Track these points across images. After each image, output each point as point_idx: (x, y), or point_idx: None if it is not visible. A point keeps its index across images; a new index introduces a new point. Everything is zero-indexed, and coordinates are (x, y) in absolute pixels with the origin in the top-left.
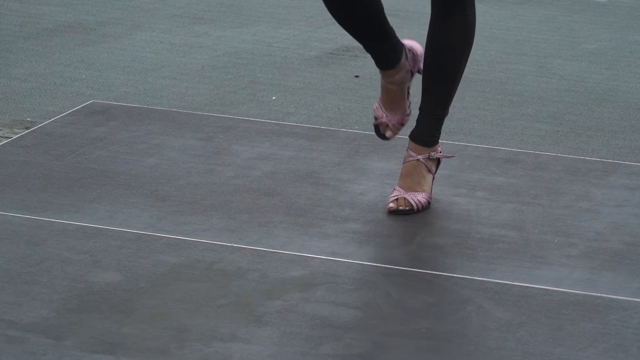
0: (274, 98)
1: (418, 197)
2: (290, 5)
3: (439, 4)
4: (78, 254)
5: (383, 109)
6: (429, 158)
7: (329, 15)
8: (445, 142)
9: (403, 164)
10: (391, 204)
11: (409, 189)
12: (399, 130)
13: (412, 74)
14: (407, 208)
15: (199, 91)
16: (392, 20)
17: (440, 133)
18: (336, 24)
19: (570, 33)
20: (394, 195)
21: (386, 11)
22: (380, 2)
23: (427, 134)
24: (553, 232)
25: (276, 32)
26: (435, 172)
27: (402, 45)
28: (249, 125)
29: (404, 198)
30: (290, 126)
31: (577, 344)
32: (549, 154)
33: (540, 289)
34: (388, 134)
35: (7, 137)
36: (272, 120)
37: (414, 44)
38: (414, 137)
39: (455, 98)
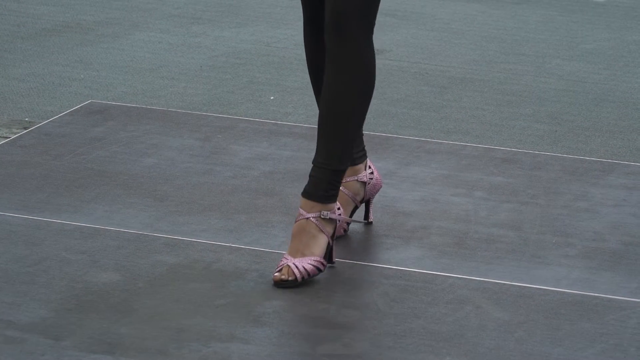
0: (272, 98)
1: (304, 265)
2: (289, 5)
3: (329, 39)
4: (76, 254)
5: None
6: (320, 217)
7: None
8: (443, 142)
9: (294, 223)
10: (276, 274)
11: (296, 252)
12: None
13: (362, 201)
14: (290, 278)
15: (197, 91)
16: (390, 20)
17: (336, 189)
18: None
19: (569, 33)
20: (281, 263)
21: (385, 11)
22: None
23: (319, 188)
24: (551, 232)
25: (274, 32)
26: (333, 235)
27: (366, 156)
28: (247, 125)
29: (288, 266)
30: (289, 126)
31: (575, 344)
32: (547, 153)
33: (539, 289)
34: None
35: (6, 137)
36: (270, 120)
37: (378, 174)
38: (306, 192)
39: (452, 98)
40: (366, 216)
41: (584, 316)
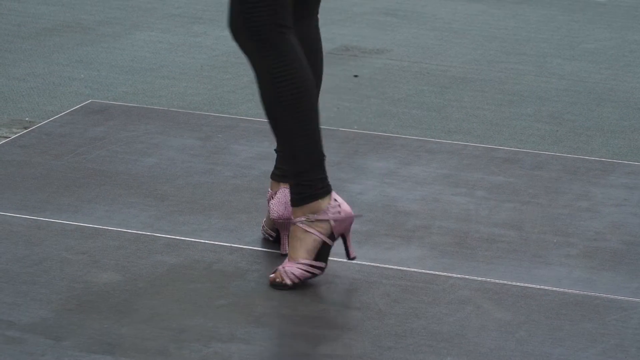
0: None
1: (292, 270)
2: None
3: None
4: (77, 254)
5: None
6: (308, 220)
7: (327, 15)
8: (444, 141)
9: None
10: (271, 275)
11: (289, 258)
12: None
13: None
14: (283, 282)
15: (198, 91)
16: (390, 20)
17: (309, 189)
18: (335, 23)
19: (570, 33)
20: (279, 266)
21: (385, 11)
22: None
23: (292, 192)
24: (552, 231)
25: None
26: (331, 234)
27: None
28: (248, 125)
29: (277, 270)
30: None
31: (576, 344)
32: (548, 153)
33: (540, 289)
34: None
35: (6, 137)
36: None
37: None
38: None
39: (453, 98)
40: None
41: (585, 316)
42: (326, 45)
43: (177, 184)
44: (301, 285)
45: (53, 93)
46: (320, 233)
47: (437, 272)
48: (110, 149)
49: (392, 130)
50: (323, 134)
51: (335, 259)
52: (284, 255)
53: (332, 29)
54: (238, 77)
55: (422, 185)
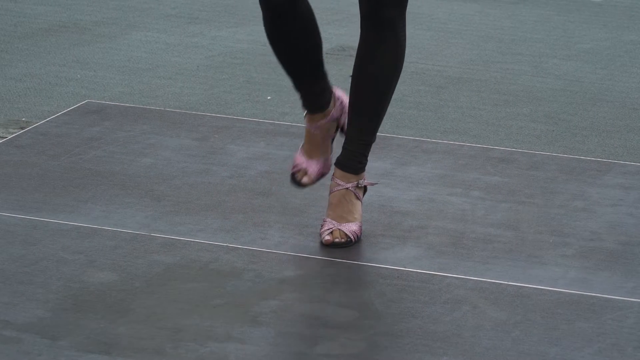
0: (269, 98)
1: (353, 228)
2: None
3: (369, 25)
4: (73, 254)
5: (304, 156)
6: (357, 186)
7: (323, 15)
8: (440, 141)
9: (330, 193)
10: (327, 237)
11: (340, 218)
12: (317, 179)
13: (338, 126)
14: (343, 240)
15: (194, 91)
16: None
17: (367, 160)
18: (331, 23)
19: (566, 33)
20: (327, 227)
21: None
22: (320, 38)
23: (355, 160)
24: (548, 231)
25: None
26: (362, 197)
27: (332, 91)
28: (244, 125)
29: (339, 230)
30: (286, 126)
31: (572, 343)
32: (544, 153)
33: (536, 288)
34: (304, 179)
35: (2, 137)
36: (267, 120)
37: (344, 95)
38: (341, 164)
39: (449, 98)
40: (342, 129)
41: (581, 316)
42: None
43: (173, 184)
44: (300, 282)
45: (49, 93)
46: (362, 198)
47: (433, 272)
48: (107, 149)
49: (388, 130)
50: None
51: (331, 258)
52: (280, 254)
53: (328, 29)
54: (234, 77)
55: (418, 185)
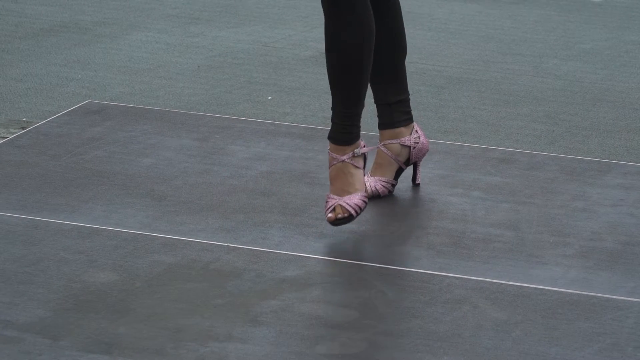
0: (269, 98)
1: (354, 201)
2: (286, 5)
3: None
4: (74, 254)
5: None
6: (353, 156)
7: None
8: (440, 142)
9: (329, 168)
10: (329, 214)
11: (341, 192)
12: (373, 196)
13: (409, 160)
14: (345, 215)
15: (195, 91)
16: None
17: (359, 128)
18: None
19: (566, 33)
20: (329, 204)
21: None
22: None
23: (343, 132)
24: (548, 231)
25: (272, 32)
26: (364, 166)
27: (412, 121)
28: (245, 125)
29: (340, 205)
30: (286, 126)
31: (572, 343)
32: (544, 153)
33: (536, 288)
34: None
35: (3, 137)
36: (268, 120)
37: (425, 139)
38: (333, 138)
39: (449, 98)
40: (414, 178)
41: (581, 316)
42: (323, 45)
43: (174, 184)
44: (302, 281)
45: (50, 93)
46: (362, 166)
47: (433, 272)
48: (108, 149)
49: None
50: (319, 134)
51: (331, 258)
52: (281, 254)
53: None
54: (235, 77)
55: (419, 185)
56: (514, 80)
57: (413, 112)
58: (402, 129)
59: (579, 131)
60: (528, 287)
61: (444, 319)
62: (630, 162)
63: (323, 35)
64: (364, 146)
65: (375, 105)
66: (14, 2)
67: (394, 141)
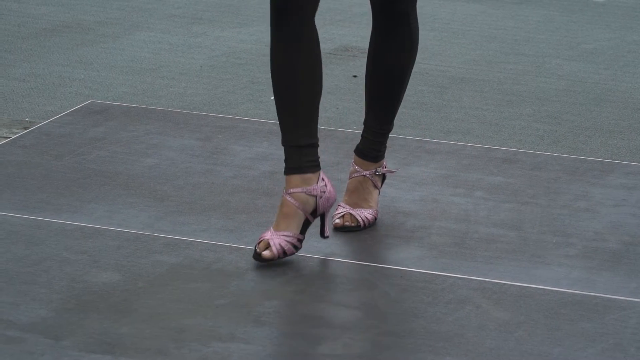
0: (272, 98)
1: (365, 214)
2: None
3: (383, 16)
4: (77, 254)
5: (272, 228)
6: (375, 174)
7: (327, 15)
8: (443, 142)
9: (349, 179)
10: (337, 220)
11: (355, 205)
12: (280, 256)
13: (316, 211)
14: (353, 224)
15: (198, 91)
16: None
17: (385, 148)
18: (334, 23)
19: (569, 33)
20: (339, 211)
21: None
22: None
23: (373, 149)
24: (551, 231)
25: None
26: (381, 187)
27: (320, 168)
28: (248, 125)
29: (350, 214)
30: None
31: (575, 343)
32: (547, 153)
33: (539, 288)
34: (265, 253)
35: (6, 137)
36: (270, 120)
37: (332, 187)
38: (360, 152)
39: (452, 98)
40: (322, 231)
41: (584, 316)
42: (326, 45)
43: (176, 184)
44: (302, 282)
45: (53, 93)
46: (379, 187)
47: (436, 272)
48: (110, 149)
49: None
50: (321, 134)
51: (334, 258)
52: (285, 258)
53: (331, 29)
54: (237, 77)
55: (421, 185)
56: (516, 80)
57: (415, 112)
58: (311, 175)
59: (582, 131)
60: (531, 287)
61: (446, 319)
62: (633, 162)
63: (325, 35)
64: (385, 166)
65: (284, 147)
66: (17, 2)
67: (301, 190)
